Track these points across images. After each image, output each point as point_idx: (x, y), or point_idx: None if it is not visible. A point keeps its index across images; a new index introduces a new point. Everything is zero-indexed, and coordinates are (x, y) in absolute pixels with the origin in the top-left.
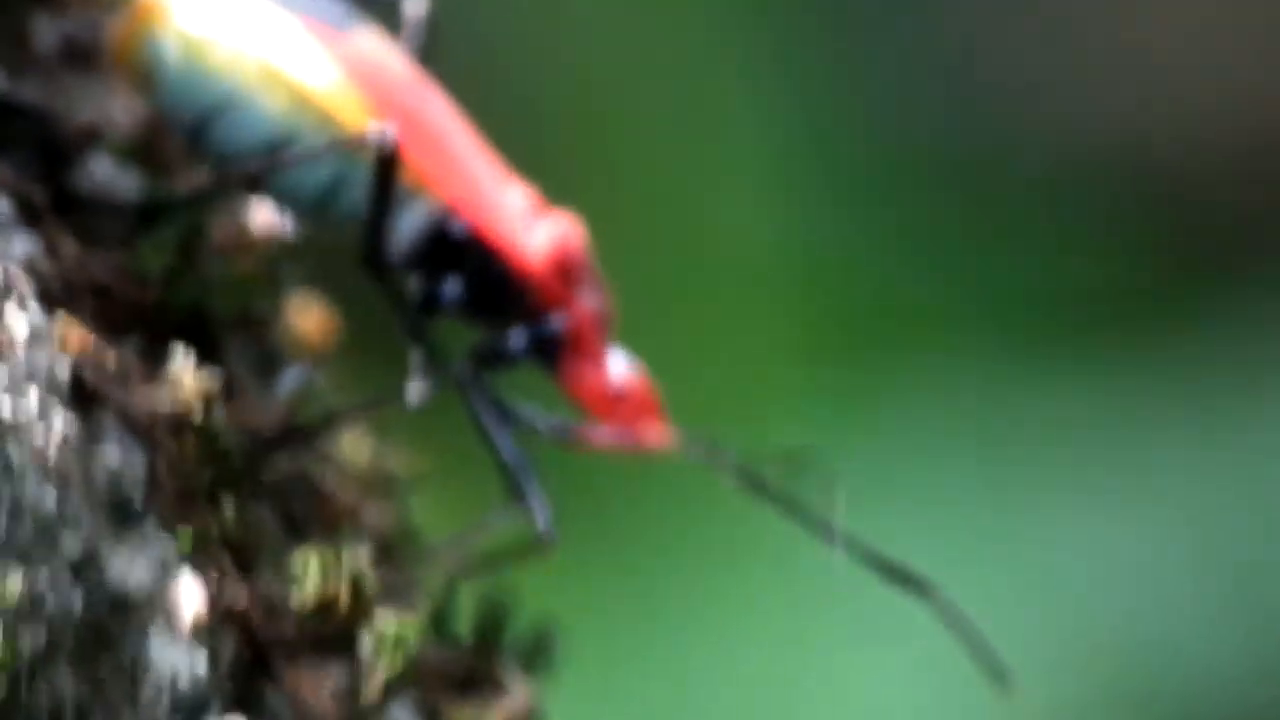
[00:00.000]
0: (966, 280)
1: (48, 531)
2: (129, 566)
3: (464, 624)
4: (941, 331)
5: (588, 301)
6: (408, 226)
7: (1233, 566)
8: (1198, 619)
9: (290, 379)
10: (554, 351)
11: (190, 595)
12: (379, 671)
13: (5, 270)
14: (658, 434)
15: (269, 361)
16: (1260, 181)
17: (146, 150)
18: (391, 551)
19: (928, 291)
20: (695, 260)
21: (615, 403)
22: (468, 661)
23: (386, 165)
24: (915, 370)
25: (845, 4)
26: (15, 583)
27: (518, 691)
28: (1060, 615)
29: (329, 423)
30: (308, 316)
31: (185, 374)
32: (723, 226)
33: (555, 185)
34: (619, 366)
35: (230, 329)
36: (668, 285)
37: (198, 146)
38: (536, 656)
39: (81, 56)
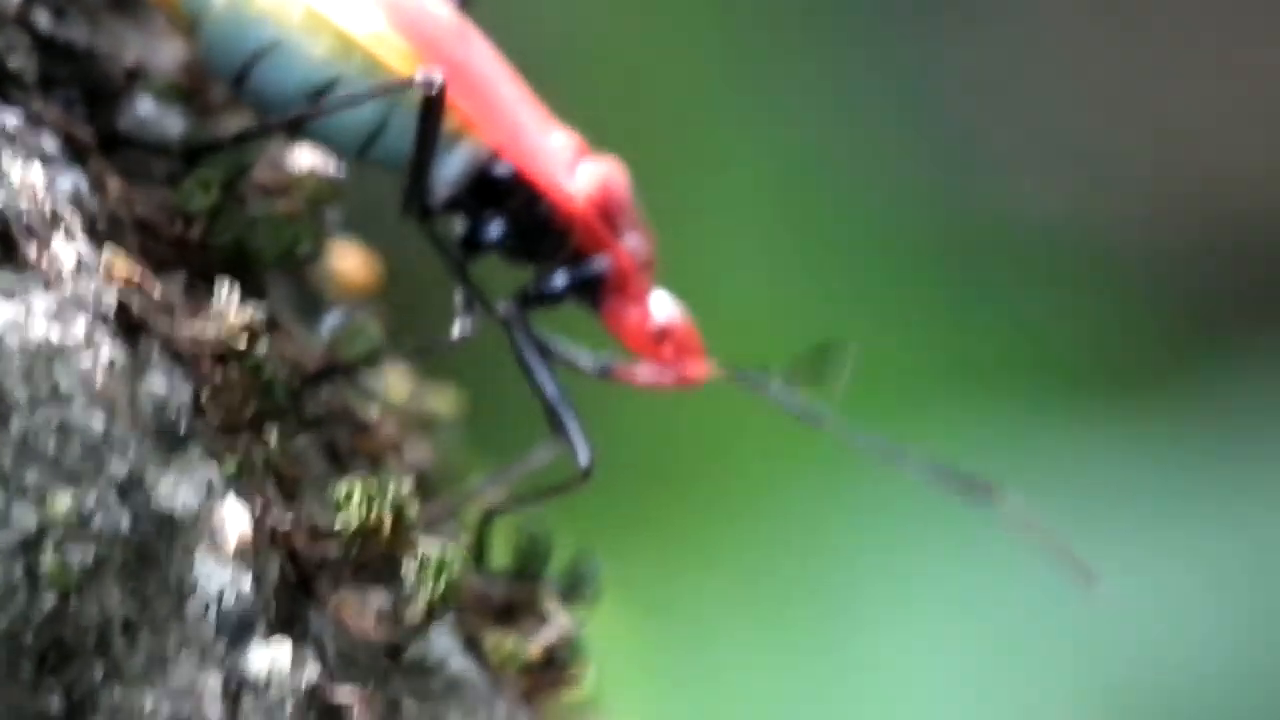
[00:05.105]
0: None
1: (95, 453)
2: (175, 489)
3: (502, 559)
4: (954, 387)
5: (630, 242)
6: (452, 169)
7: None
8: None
9: (333, 318)
10: (597, 291)
11: (235, 518)
12: (421, 596)
13: (53, 203)
14: (700, 369)
15: (312, 301)
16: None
17: (190, 93)
18: (432, 486)
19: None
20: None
21: (658, 340)
22: (507, 591)
23: (432, 109)
24: (925, 424)
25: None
26: (64, 502)
27: (557, 621)
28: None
29: (371, 359)
30: (350, 258)
31: (229, 307)
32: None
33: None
34: (661, 305)
35: (273, 268)
36: None
37: (241, 91)
38: (577, 588)
39: None
